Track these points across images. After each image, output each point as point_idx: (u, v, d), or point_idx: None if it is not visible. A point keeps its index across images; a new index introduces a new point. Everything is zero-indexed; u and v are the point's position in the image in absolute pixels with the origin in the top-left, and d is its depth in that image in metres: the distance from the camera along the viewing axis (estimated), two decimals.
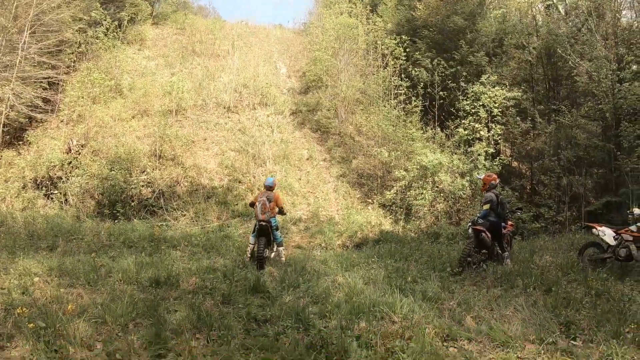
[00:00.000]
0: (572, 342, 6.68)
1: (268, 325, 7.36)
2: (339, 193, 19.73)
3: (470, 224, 11.39)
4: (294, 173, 20.10)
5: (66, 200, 18.09)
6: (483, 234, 10.83)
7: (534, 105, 22.27)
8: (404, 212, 18.42)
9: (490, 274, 10.22)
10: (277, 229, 12.67)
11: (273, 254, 12.62)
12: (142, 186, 18.49)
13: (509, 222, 11.99)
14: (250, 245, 12.32)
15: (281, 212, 13.09)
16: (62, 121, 21.30)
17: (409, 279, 10.06)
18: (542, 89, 23.43)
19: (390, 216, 18.67)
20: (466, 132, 19.69)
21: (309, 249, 15.90)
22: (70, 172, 18.71)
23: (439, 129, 21.31)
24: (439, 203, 18.47)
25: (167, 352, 6.31)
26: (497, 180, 11.37)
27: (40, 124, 21.76)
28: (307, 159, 21.21)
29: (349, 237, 17.07)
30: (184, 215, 17.47)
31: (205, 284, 9.31)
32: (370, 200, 19.36)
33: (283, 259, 12.78)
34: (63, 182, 18.39)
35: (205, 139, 21.16)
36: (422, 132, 21.07)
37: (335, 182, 20.25)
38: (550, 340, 6.59)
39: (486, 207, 10.94)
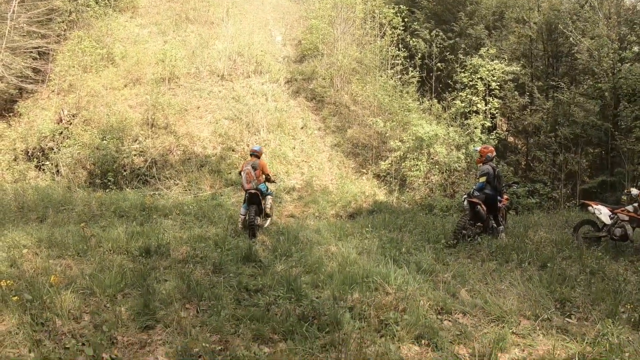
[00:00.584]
0: (567, 319, 6.56)
1: (259, 295, 7.19)
2: (333, 163, 19.47)
3: (465, 196, 11.17)
4: (288, 142, 19.78)
5: (58, 171, 17.77)
6: (479, 206, 10.64)
7: (533, 80, 21.94)
8: (399, 183, 18.19)
9: (484, 247, 10.08)
10: (265, 190, 12.44)
11: (267, 223, 12.50)
12: (135, 155, 18.15)
13: (504, 196, 11.78)
14: (242, 216, 12.07)
15: (268, 179, 12.75)
16: (53, 91, 20.81)
17: (403, 249, 9.86)
18: (542, 65, 23.09)
19: (385, 187, 18.45)
20: (463, 104, 19.37)
21: (303, 219, 15.69)
22: (61, 143, 18.35)
23: (435, 100, 20.98)
24: (434, 175, 18.23)
25: (155, 323, 6.14)
26: (494, 153, 11.11)
27: (31, 95, 21.30)
28: (302, 128, 20.86)
29: (342, 207, 16.85)
30: (177, 184, 17.18)
31: (196, 252, 9.08)
32: (364, 171, 19.11)
33: (268, 223, 12.61)
34: (54, 152, 18.04)
35: (198, 107, 20.74)
36: (418, 103, 20.74)
37: (330, 151, 19.95)
38: (545, 316, 6.48)
39: (482, 179, 10.73)
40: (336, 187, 18.15)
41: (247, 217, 11.53)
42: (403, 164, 18.23)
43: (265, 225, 12.56)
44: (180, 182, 17.20)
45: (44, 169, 18.00)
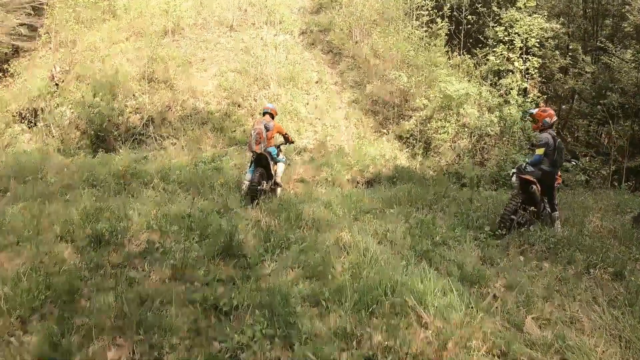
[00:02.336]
0: None
1: (230, 322, 4.58)
2: (350, 121, 16.58)
3: (515, 171, 8.34)
4: (301, 97, 16.89)
5: (49, 132, 15.22)
6: (534, 186, 7.83)
7: (574, 40, 18.53)
8: (422, 146, 15.32)
9: (538, 239, 7.39)
10: (277, 155, 10.43)
11: (278, 191, 10.53)
12: (130, 113, 15.49)
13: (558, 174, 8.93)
14: (246, 182, 9.79)
15: (287, 140, 10.75)
16: (50, 48, 17.99)
17: (437, 238, 7.17)
18: (583, 24, 19.57)
19: (407, 150, 15.61)
20: (498, 61, 16.17)
21: (313, 184, 13.03)
22: (52, 102, 15.71)
23: (467, 55, 17.78)
24: (462, 139, 15.31)
25: None
26: (554, 118, 8.15)
27: (28, 54, 18.52)
28: (317, 82, 17.91)
29: (359, 171, 14.12)
30: (174, 144, 14.51)
31: (162, 242, 6.44)
32: (385, 131, 16.23)
33: (279, 192, 10.58)
34: (46, 113, 15.42)
35: (203, 60, 17.86)
36: (447, 58, 17.54)
37: (347, 108, 17.03)
38: None
39: (540, 151, 7.88)
40: (353, 148, 15.35)
41: (252, 180, 9.37)
42: (429, 125, 15.32)
43: (277, 193, 10.47)
44: (178, 142, 14.52)
45: (36, 132, 15.47)
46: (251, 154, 9.88)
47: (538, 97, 15.88)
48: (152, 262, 5.80)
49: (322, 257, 5.99)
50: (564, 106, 19.13)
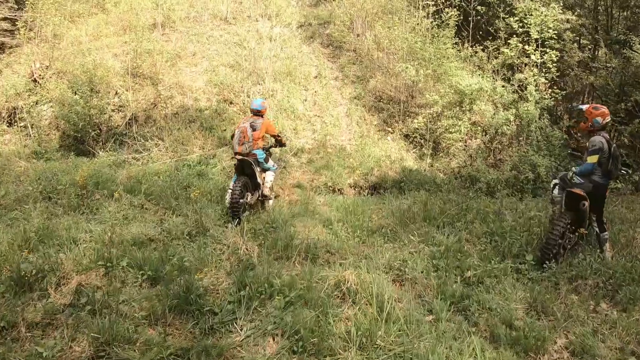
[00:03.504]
0: None
1: None
2: (352, 118, 14.62)
3: (557, 182, 6.42)
4: (299, 93, 14.93)
5: (29, 133, 13.31)
6: (585, 202, 5.89)
7: (593, 32, 16.44)
8: (431, 146, 13.35)
9: (589, 270, 5.58)
10: (266, 161, 8.54)
11: (270, 203, 8.81)
12: (113, 111, 13.53)
13: None
14: (229, 190, 7.78)
15: (279, 143, 8.90)
16: (36, 44, 15.97)
17: (469, 274, 5.26)
18: (599, 16, 17.46)
19: (414, 150, 13.65)
20: (512, 54, 14.12)
21: (311, 190, 11.14)
22: (29, 100, 13.76)
23: (479, 47, 15.73)
24: (475, 139, 13.35)
25: None
26: (608, 118, 6.15)
27: (12, 50, 16.50)
28: (315, 77, 15.94)
29: (362, 174, 12.19)
30: (157, 145, 12.56)
31: (100, 288, 4.56)
32: (390, 129, 14.28)
33: (271, 204, 8.79)
34: (25, 112, 13.46)
35: (194, 54, 15.84)
36: (457, 50, 15.50)
37: (349, 104, 15.06)
38: None
39: (593, 159, 5.95)
40: (355, 148, 13.41)
41: (232, 192, 7.44)
42: (438, 124, 13.35)
43: (268, 206, 8.66)
44: (162, 143, 12.57)
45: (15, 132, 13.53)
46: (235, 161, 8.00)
47: (556, 93, 13.87)
48: (75, 326, 3.89)
49: (316, 317, 4.07)
50: (574, 104, 17.12)
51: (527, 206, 8.52)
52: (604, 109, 6.13)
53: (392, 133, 14.11)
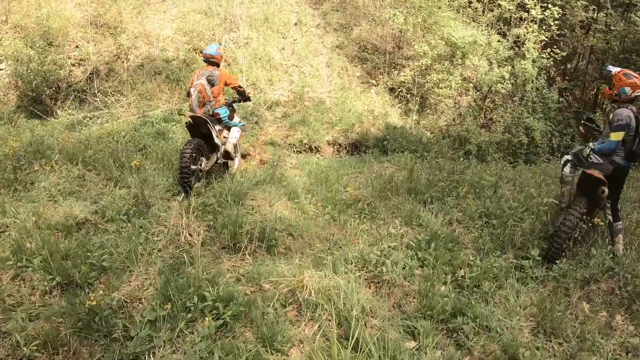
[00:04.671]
0: None
1: None
2: (333, 69, 13.03)
3: (569, 158, 5.09)
4: (276, 41, 13.25)
5: None
6: (604, 188, 4.58)
7: None
8: (418, 102, 11.91)
9: (600, 269, 4.40)
10: (231, 119, 7.14)
11: (235, 165, 7.50)
12: (73, 65, 11.87)
13: None
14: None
15: (242, 95, 7.25)
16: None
17: (464, 275, 4.05)
18: None
19: (400, 105, 12.22)
20: (510, 7, 12.46)
21: (285, 148, 9.80)
22: None
23: None
24: (466, 96, 11.93)
25: None
26: (638, 90, 4.73)
27: None
28: (295, 25, 14.19)
29: (342, 131, 10.83)
30: (119, 101, 10.98)
31: None
32: (374, 82, 12.77)
33: (235, 167, 7.38)
34: None
35: (163, 0, 13.99)
36: None
37: (330, 54, 13.44)
38: None
39: (617, 136, 4.60)
40: (335, 102, 11.92)
41: (181, 158, 5.98)
42: (427, 77, 11.85)
43: (232, 168, 7.28)
44: (124, 98, 11.01)
45: None
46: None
47: (557, 53, 12.35)
48: None
49: (259, 345, 2.83)
50: (569, 65, 15.57)
51: (524, 177, 7.22)
52: (636, 79, 4.74)
53: (376, 86, 12.62)
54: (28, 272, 4.11)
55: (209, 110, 6.59)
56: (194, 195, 5.70)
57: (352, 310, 3.23)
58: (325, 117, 11.12)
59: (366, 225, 4.99)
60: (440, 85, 11.48)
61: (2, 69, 11.90)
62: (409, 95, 12.08)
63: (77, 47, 12.15)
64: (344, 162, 8.02)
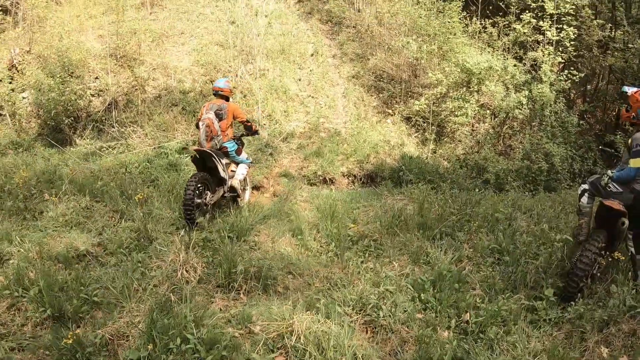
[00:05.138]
0: None
1: None
2: (349, 99, 12.95)
3: (585, 188, 4.77)
4: (292, 72, 13.26)
5: (17, 121, 11.96)
6: (625, 220, 4.20)
7: (612, 9, 14.38)
8: (435, 130, 11.68)
9: (620, 308, 3.98)
10: (238, 153, 6.94)
11: (245, 199, 7.39)
12: (93, 96, 12.06)
13: None
14: None
15: (250, 131, 7.13)
16: (23, 29, 14.31)
17: (468, 318, 3.73)
18: None
19: (416, 134, 12.00)
20: (525, 30, 12.25)
21: (298, 180, 9.64)
22: (5, 88, 12.30)
23: (488, 22, 13.83)
24: (483, 122, 11.66)
25: None
26: None
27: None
28: (312, 55, 14.23)
29: (357, 162, 10.65)
30: (135, 131, 11.06)
31: None
32: (390, 111, 12.62)
33: (245, 200, 7.25)
34: (3, 100, 12.02)
35: (182, 33, 14.18)
36: (464, 25, 13.58)
37: (346, 84, 13.38)
38: None
39: (636, 163, 4.23)
40: (351, 132, 11.79)
41: (185, 193, 5.82)
42: (443, 106, 11.64)
43: (241, 202, 7.06)
44: (139, 130, 11.07)
45: None
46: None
47: (574, 75, 12.04)
48: None
49: None
50: (589, 86, 15.13)
51: (542, 207, 6.87)
52: None
53: (392, 115, 12.47)
54: (24, 302, 4.04)
55: (216, 144, 6.48)
56: (197, 230, 5.56)
57: (342, 358, 2.99)
58: (340, 148, 10.97)
59: (370, 263, 4.74)
60: (456, 113, 11.24)
61: (25, 97, 12.14)
62: (425, 124, 11.87)
63: (96, 78, 12.35)
64: (356, 195, 7.79)
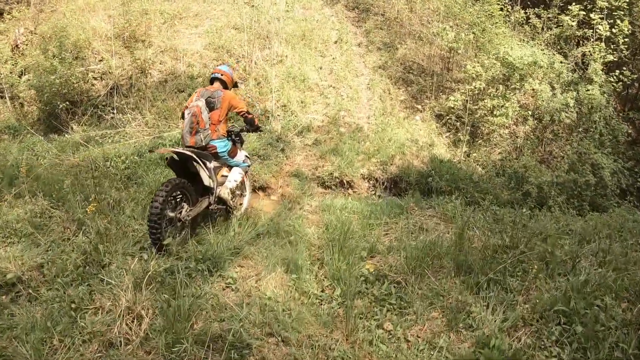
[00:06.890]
0: None
1: None
2: (374, 91, 11.33)
3: None
4: (313, 59, 11.66)
5: (18, 104, 10.83)
6: None
7: None
8: (469, 131, 10.04)
9: None
10: (232, 155, 5.45)
11: (243, 207, 5.87)
12: (95, 79, 10.77)
13: None
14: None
15: (252, 125, 5.56)
16: (35, 6, 13.08)
17: None
18: None
19: (448, 135, 10.38)
20: (574, 23, 10.51)
21: (308, 182, 8.15)
22: (5, 69, 11.13)
23: (531, 10, 12.08)
24: (524, 125, 9.99)
25: None
26: None
27: (11, 17, 13.69)
28: (335, 42, 12.59)
29: (380, 164, 9.05)
30: (135, 119, 9.69)
31: None
32: (419, 107, 11.00)
33: (243, 209, 5.72)
34: (3, 82, 10.86)
35: (197, 14, 12.72)
36: (505, 14, 11.84)
37: (372, 75, 11.75)
38: None
39: None
40: (374, 129, 10.19)
41: (151, 206, 4.25)
42: (480, 103, 9.96)
43: (237, 214, 5.49)
44: (140, 117, 9.70)
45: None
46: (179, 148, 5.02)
47: (626, 76, 10.29)
48: None
49: None
50: (630, 90, 13.23)
51: (599, 234, 5.21)
52: None
53: (421, 112, 10.85)
54: None
55: (201, 140, 4.97)
56: (163, 256, 4.14)
57: None
58: (361, 147, 9.40)
59: (389, 323, 3.26)
60: (495, 113, 9.56)
61: (29, 80, 10.97)
62: (458, 124, 10.22)
63: (101, 60, 11.04)
64: (376, 209, 6.26)
